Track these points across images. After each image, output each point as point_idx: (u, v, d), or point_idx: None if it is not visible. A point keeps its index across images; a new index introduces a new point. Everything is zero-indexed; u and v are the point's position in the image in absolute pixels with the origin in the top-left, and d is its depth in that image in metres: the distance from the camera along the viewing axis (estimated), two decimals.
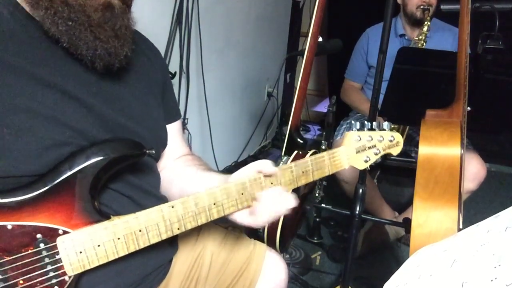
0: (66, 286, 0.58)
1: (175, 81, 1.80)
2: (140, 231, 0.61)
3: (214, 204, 0.66)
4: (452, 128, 0.86)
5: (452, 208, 0.77)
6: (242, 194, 0.68)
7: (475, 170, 1.59)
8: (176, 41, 1.77)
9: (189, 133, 1.97)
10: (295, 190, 1.15)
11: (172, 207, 0.63)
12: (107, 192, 0.66)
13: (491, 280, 0.34)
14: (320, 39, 1.36)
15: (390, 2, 1.07)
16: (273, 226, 1.24)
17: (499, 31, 1.27)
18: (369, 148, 0.80)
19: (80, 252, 0.58)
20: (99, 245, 0.59)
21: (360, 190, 1.22)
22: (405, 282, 0.43)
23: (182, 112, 1.86)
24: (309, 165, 0.74)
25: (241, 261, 0.87)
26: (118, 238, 0.60)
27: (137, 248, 0.62)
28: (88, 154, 0.59)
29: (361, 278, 1.65)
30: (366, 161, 0.80)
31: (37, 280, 0.56)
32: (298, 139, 1.18)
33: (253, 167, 0.70)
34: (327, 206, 1.51)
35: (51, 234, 0.56)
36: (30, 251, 0.55)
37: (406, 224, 1.30)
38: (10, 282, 0.54)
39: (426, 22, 1.72)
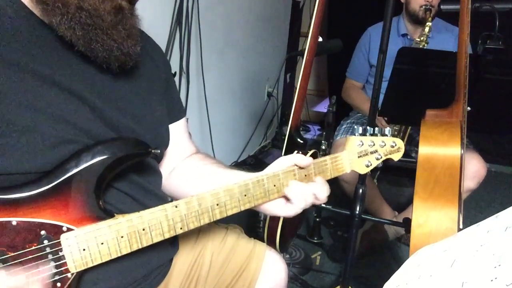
0: (68, 283, 0.58)
1: (175, 81, 1.80)
2: (143, 230, 0.61)
3: (217, 204, 0.67)
4: (452, 128, 0.86)
5: (452, 208, 0.77)
6: (245, 195, 0.69)
7: (475, 168, 1.59)
8: (176, 41, 1.77)
9: (189, 133, 1.97)
10: None
11: (176, 206, 0.63)
12: (110, 191, 0.66)
13: (491, 280, 0.34)
14: (320, 39, 1.36)
15: (390, 2, 1.07)
16: (273, 226, 1.24)
17: (499, 31, 1.27)
18: (371, 153, 0.81)
19: (84, 250, 0.58)
20: (102, 243, 0.59)
21: (360, 190, 1.22)
22: (405, 282, 0.43)
23: None
24: (311, 169, 0.75)
25: (241, 261, 0.87)
26: (122, 237, 0.60)
27: (140, 247, 0.62)
28: (94, 153, 0.59)
29: (361, 278, 1.65)
30: (367, 166, 0.81)
31: (40, 276, 0.56)
32: (298, 139, 1.18)
33: (288, 161, 0.74)
34: (327, 206, 1.51)
35: (55, 231, 0.57)
36: (34, 248, 0.55)
37: (406, 224, 1.30)
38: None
39: (427, 23, 1.71)
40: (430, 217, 0.77)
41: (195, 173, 0.85)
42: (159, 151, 0.66)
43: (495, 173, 2.79)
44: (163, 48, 1.71)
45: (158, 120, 0.79)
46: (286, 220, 1.24)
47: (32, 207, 0.55)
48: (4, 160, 0.55)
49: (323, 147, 1.66)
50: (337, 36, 1.64)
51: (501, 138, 2.86)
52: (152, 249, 0.65)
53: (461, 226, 0.78)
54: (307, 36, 1.17)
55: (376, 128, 0.82)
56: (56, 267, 0.57)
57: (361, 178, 1.23)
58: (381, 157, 0.82)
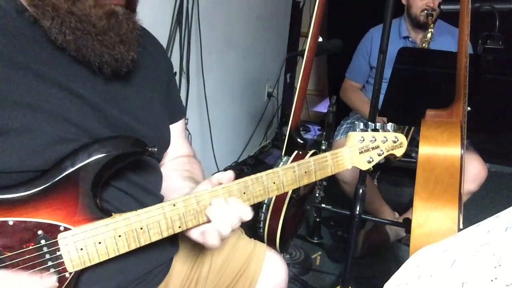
0: (66, 282, 0.58)
1: (176, 81, 1.80)
2: (141, 228, 0.61)
3: None
4: (452, 128, 0.86)
5: (452, 208, 0.77)
6: (244, 193, 0.68)
7: (476, 171, 1.59)
8: (176, 41, 1.77)
9: (189, 133, 1.97)
10: (295, 190, 1.15)
11: (174, 205, 0.63)
12: (109, 190, 0.66)
13: (491, 280, 0.34)
14: (320, 39, 1.36)
15: (390, 2, 1.07)
16: (273, 226, 1.24)
17: (499, 31, 1.27)
18: (373, 148, 0.79)
19: (81, 249, 0.58)
20: (100, 242, 0.59)
21: (360, 191, 1.22)
22: (405, 282, 0.43)
23: None
24: (311, 165, 0.74)
25: (241, 261, 0.87)
26: (119, 236, 0.60)
27: (138, 246, 0.62)
28: (90, 151, 0.59)
29: (361, 278, 1.65)
30: (369, 162, 0.80)
31: (37, 276, 0.56)
32: (298, 139, 1.18)
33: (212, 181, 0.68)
34: (327, 207, 1.51)
35: (52, 231, 0.57)
36: (31, 247, 0.55)
37: (406, 224, 1.30)
38: None
39: (429, 30, 1.69)
40: (430, 217, 0.77)
41: (165, 176, 0.84)
42: (156, 149, 0.66)
43: (495, 173, 2.79)
44: None
45: (159, 120, 0.79)
46: (286, 220, 1.24)
47: (28, 207, 0.55)
48: (4, 158, 0.55)
49: (323, 147, 1.66)
50: (337, 36, 1.64)
51: (501, 138, 2.86)
52: (151, 248, 0.65)
53: (461, 226, 0.78)
54: (307, 36, 1.17)
55: (378, 124, 0.81)
56: (54, 266, 0.57)
57: (361, 178, 1.23)
58: (383, 153, 0.80)
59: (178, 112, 0.89)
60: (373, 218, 1.57)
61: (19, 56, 0.58)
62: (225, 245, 0.89)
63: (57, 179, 0.57)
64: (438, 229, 0.76)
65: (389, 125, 0.81)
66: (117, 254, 0.60)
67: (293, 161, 1.15)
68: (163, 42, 1.71)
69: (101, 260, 0.60)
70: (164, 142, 0.82)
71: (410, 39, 1.88)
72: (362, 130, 0.80)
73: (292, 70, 3.34)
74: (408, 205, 1.92)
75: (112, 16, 0.62)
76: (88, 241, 0.58)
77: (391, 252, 1.88)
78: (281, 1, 2.98)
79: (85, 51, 0.61)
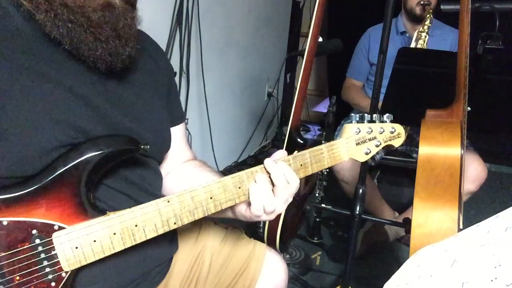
0: (63, 282, 0.58)
1: (176, 84, 1.80)
2: (136, 226, 0.61)
3: (211, 198, 0.66)
4: (452, 128, 0.86)
5: (452, 208, 0.77)
6: (240, 188, 0.68)
7: (476, 171, 1.59)
8: (176, 41, 1.77)
9: (189, 133, 1.97)
10: None
11: (168, 201, 0.63)
12: (103, 189, 0.66)
13: (491, 280, 0.34)
14: (320, 39, 1.36)
15: (390, 2, 1.07)
16: (273, 226, 1.24)
17: (499, 31, 1.27)
18: (370, 140, 0.78)
19: (76, 248, 0.58)
20: (95, 241, 0.58)
21: (360, 190, 1.22)
22: (405, 282, 0.43)
23: None
24: (307, 158, 0.73)
25: (241, 261, 0.87)
26: (114, 233, 0.59)
27: (134, 243, 0.61)
28: (82, 150, 0.58)
29: (361, 278, 1.65)
30: (367, 153, 0.78)
31: (33, 276, 0.56)
32: (298, 139, 1.18)
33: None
34: (327, 206, 1.51)
35: (46, 230, 0.56)
36: (26, 247, 0.55)
37: (406, 224, 1.30)
38: (7, 278, 0.54)
39: (428, 16, 1.70)
40: (430, 217, 0.77)
41: (190, 178, 0.83)
42: (148, 146, 0.65)
43: (495, 173, 2.78)
44: (163, 48, 1.70)
45: (159, 122, 0.78)
46: (287, 220, 1.24)
47: (22, 207, 0.55)
48: (4, 164, 0.55)
49: None
50: (337, 36, 1.64)
51: (501, 138, 2.86)
52: (150, 247, 0.65)
53: (461, 226, 0.78)
54: (307, 36, 1.16)
55: (374, 115, 0.79)
56: (50, 266, 0.57)
57: (361, 178, 1.23)
58: (381, 144, 0.79)
59: (178, 115, 0.89)
60: (373, 218, 1.57)
61: (21, 57, 0.57)
62: (225, 245, 0.89)
63: (50, 178, 0.57)
64: (438, 229, 0.76)
65: (386, 116, 0.80)
66: (113, 252, 0.60)
67: None
68: (163, 42, 1.71)
69: (97, 258, 0.59)
70: (165, 144, 0.81)
71: (407, 34, 1.88)
72: (358, 122, 0.79)
73: (292, 70, 3.34)
74: (408, 205, 1.92)
75: (108, 8, 0.60)
76: (83, 240, 0.58)
77: (391, 252, 1.88)
78: (281, 1, 2.99)
79: (78, 44, 0.59)
